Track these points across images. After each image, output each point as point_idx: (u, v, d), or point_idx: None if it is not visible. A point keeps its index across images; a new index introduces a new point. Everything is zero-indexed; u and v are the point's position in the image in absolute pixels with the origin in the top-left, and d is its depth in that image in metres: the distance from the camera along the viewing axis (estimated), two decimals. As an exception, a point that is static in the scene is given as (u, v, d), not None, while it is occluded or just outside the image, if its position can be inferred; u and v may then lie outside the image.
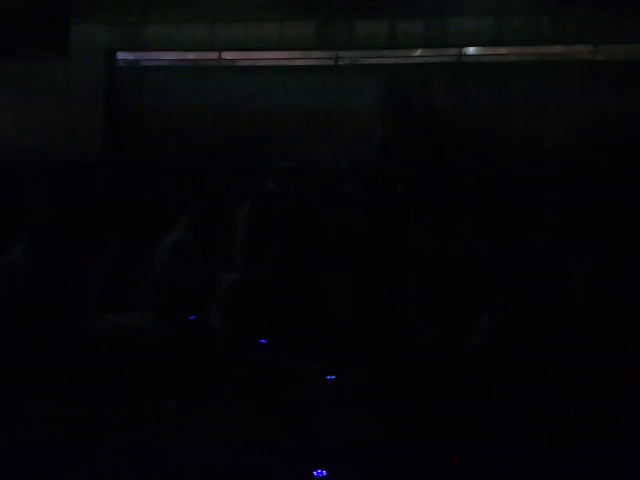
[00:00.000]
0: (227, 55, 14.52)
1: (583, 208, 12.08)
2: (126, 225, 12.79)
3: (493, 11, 13.19)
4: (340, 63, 14.11)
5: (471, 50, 13.57)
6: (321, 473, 4.95)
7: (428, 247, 11.71)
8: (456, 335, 10.30)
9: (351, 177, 12.94)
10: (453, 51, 13.62)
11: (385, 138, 13.90)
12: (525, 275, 11.02)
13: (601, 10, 12.65)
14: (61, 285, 12.20)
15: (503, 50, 13.38)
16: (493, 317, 10.41)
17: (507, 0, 13.17)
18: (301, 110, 13.98)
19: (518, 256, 11.43)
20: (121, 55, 14.91)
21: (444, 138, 13.62)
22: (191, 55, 14.71)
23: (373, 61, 13.97)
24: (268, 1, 13.94)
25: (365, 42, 13.74)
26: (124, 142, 14.80)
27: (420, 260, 11.54)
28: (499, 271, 11.11)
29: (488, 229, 11.88)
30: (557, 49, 13.31)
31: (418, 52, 13.88)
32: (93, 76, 14.62)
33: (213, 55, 14.55)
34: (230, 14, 14.07)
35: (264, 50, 14.17)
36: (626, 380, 8.00)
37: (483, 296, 10.94)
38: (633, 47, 12.83)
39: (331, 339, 10.23)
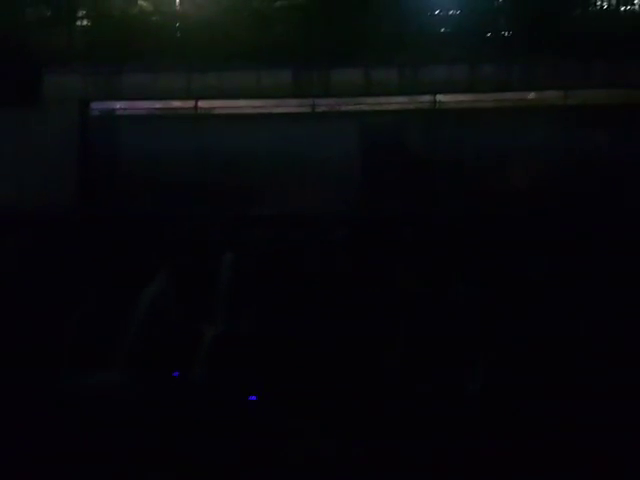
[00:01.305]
0: (203, 104, 14.55)
1: (560, 249, 12.37)
2: (102, 278, 12.65)
3: (466, 59, 13.55)
4: (317, 110, 14.26)
5: (445, 97, 13.84)
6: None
7: (415, 293, 11.84)
8: (450, 384, 10.30)
9: (333, 224, 13.01)
10: (427, 98, 13.89)
11: (363, 184, 14.00)
12: (512, 316, 11.19)
13: (571, 56, 13.10)
14: (29, 342, 11.84)
15: (476, 97, 13.69)
16: (486, 364, 10.49)
17: (479, 48, 13.55)
18: (279, 157, 14.02)
19: (502, 296, 11.59)
20: (95, 104, 14.82)
21: (421, 183, 13.78)
22: (167, 104, 14.70)
23: (350, 108, 14.16)
24: (245, 50, 14.07)
25: (341, 90, 13.91)
26: (98, 192, 14.60)
27: (408, 306, 11.63)
28: (488, 315, 11.27)
29: (473, 272, 12.08)
30: (528, 95, 13.70)
31: (394, 99, 14.13)
32: (66, 125, 14.44)
33: (189, 104, 14.56)
34: (206, 63, 14.16)
35: (241, 98, 14.25)
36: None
37: (474, 341, 11.02)
38: (602, 92, 13.28)
39: (321, 393, 10.11)
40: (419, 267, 12.42)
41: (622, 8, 13.73)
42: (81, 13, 15.68)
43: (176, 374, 10.64)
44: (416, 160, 13.91)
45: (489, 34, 13.80)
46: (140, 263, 12.38)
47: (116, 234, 13.35)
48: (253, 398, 9.69)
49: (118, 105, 14.82)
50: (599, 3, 13.81)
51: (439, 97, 13.77)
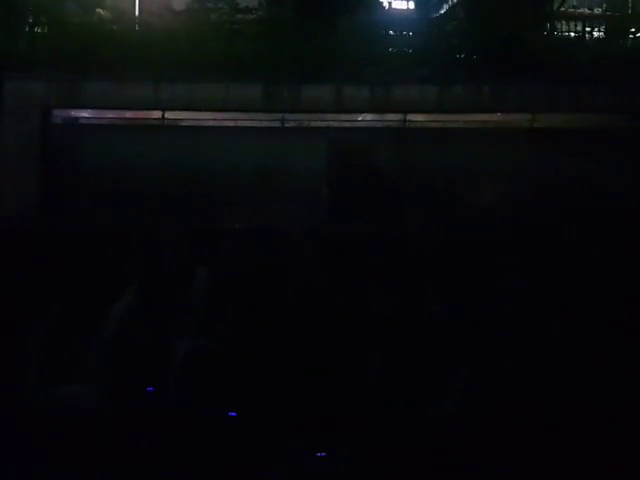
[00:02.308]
0: (171, 115, 14.32)
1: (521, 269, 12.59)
2: (68, 292, 12.28)
3: (436, 80, 13.68)
4: (287, 125, 14.18)
5: (415, 116, 13.94)
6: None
7: (387, 311, 11.87)
8: (424, 402, 10.33)
9: (302, 240, 12.95)
10: (397, 116, 13.97)
11: (330, 200, 13.99)
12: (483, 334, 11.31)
13: (538, 80, 13.37)
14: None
15: (445, 117, 13.83)
16: (462, 381, 10.58)
17: (449, 70, 13.69)
18: (247, 171, 13.88)
19: (475, 316, 11.71)
20: (58, 112, 14.40)
21: (388, 201, 13.84)
22: (133, 114, 14.42)
23: (319, 124, 14.14)
24: (214, 62, 13.91)
25: (311, 105, 13.87)
26: (60, 203, 14.19)
27: (380, 324, 11.65)
28: (460, 333, 11.37)
29: (444, 291, 12.17)
30: (496, 117, 13.91)
31: (363, 117, 14.18)
32: (27, 133, 13.93)
33: (156, 114, 14.31)
34: (175, 74, 13.94)
35: (209, 111, 14.07)
36: None
37: (448, 359, 11.11)
38: (568, 115, 13.58)
39: (298, 408, 10.03)
40: (386, 283, 12.49)
41: (587, 36, 14.10)
42: (42, 19, 15.29)
43: (150, 389, 10.40)
44: (384, 178, 13.99)
45: (459, 56, 13.92)
46: (108, 277, 12.08)
47: (81, 246, 13.00)
48: (232, 414, 9.56)
49: (82, 113, 14.49)
50: (565, 29, 14.13)
51: (409, 116, 13.87)
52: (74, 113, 14.49)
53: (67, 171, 14.31)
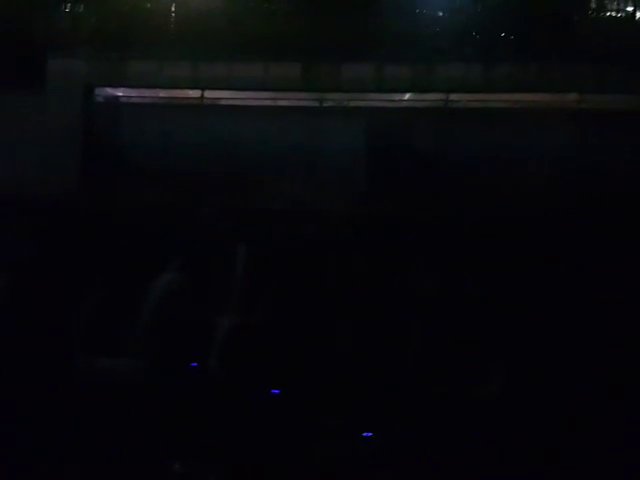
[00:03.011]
0: (210, 94, 14.27)
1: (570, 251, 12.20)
2: (111, 268, 12.46)
3: (480, 58, 13.27)
4: (325, 105, 13.98)
5: (457, 96, 13.56)
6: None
7: (429, 293, 11.69)
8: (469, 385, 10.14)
9: (340, 221, 12.82)
10: (440, 96, 13.61)
11: (369, 181, 13.74)
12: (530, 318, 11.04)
13: (587, 60, 12.83)
14: (43, 329, 11.71)
15: (489, 97, 13.42)
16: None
17: (494, 48, 13.27)
18: (286, 151, 13.76)
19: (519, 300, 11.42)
20: (99, 91, 14.52)
21: (428, 183, 13.54)
22: (173, 93, 14.43)
23: (359, 104, 13.90)
24: (253, 42, 13.79)
25: (351, 85, 13.64)
26: (100, 180, 14.34)
27: (421, 305, 11.48)
28: (505, 317, 11.12)
29: (488, 275, 11.89)
30: (543, 97, 13.42)
31: (404, 97, 13.88)
32: (70, 112, 14.13)
33: (196, 93, 14.28)
34: (214, 53, 13.87)
35: (248, 90, 13.97)
36: None
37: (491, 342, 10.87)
38: (617, 97, 13.01)
39: (337, 386, 10.00)
40: (428, 266, 12.30)
41: (637, 15, 13.46)
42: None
43: (194, 365, 10.56)
44: (425, 159, 13.64)
45: (504, 34, 13.44)
46: (149, 254, 12.20)
47: (123, 223, 13.15)
48: (276, 392, 9.62)
49: (123, 92, 14.58)
50: (615, 9, 13.51)
51: (451, 96, 13.50)
52: (116, 92, 14.62)
53: (108, 149, 14.45)
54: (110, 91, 14.59)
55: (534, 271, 12.13)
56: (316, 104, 13.96)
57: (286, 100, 13.97)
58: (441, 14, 13.82)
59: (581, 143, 13.06)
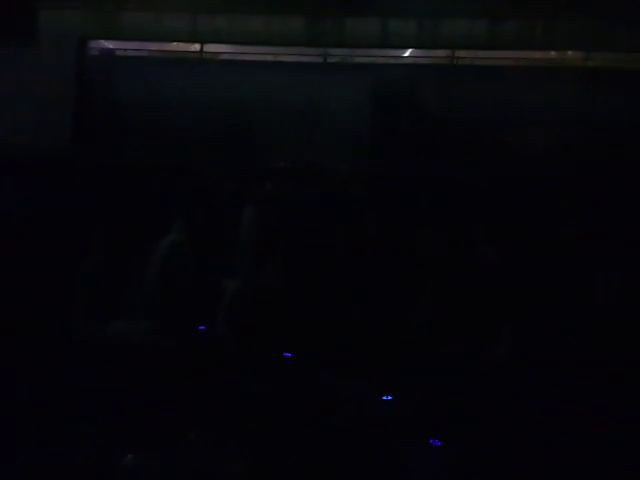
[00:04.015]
0: (209, 48, 13.88)
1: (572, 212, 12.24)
2: (111, 228, 12.12)
3: (486, 14, 13.10)
4: (329, 60, 13.71)
5: (463, 53, 13.39)
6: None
7: (440, 254, 11.61)
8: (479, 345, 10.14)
9: (347, 180, 12.65)
10: (445, 53, 13.45)
11: (375, 138, 13.59)
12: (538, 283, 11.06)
13: (595, 18, 12.74)
14: (44, 292, 11.35)
15: (495, 54, 13.28)
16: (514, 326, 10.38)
17: (501, 4, 13.09)
18: (289, 108, 13.50)
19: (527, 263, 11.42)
20: (94, 43, 14.02)
21: (433, 140, 13.43)
22: (170, 46, 13.99)
23: (364, 60, 13.66)
24: (255, -7, 13.42)
25: (356, 40, 13.37)
26: (95, 136, 13.92)
27: (433, 267, 11.41)
28: (514, 279, 11.12)
29: (496, 235, 11.87)
30: (550, 55, 13.34)
31: (409, 53, 13.67)
32: (63, 65, 13.62)
33: (194, 47, 13.88)
34: (214, 5, 13.46)
35: (250, 44, 13.60)
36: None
37: (501, 304, 10.88)
38: (625, 55, 12.99)
39: (350, 349, 9.92)
40: (437, 226, 12.22)
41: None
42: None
43: (202, 328, 10.30)
44: (431, 117, 13.53)
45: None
46: (151, 214, 11.86)
47: (118, 181, 12.77)
48: (288, 355, 9.45)
49: (118, 45, 14.08)
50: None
51: (457, 52, 13.34)
52: (110, 45, 14.13)
53: (103, 103, 14.02)
54: (105, 44, 14.09)
55: (541, 231, 12.18)
56: (320, 59, 13.68)
57: (289, 55, 13.64)
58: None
59: (587, 101, 13.06)
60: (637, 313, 10.57)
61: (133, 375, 9.24)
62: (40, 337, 10.13)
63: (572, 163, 12.75)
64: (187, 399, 8.63)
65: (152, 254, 11.11)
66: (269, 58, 13.73)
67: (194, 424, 8.25)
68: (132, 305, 10.84)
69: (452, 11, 13.03)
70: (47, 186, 13.02)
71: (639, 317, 10.50)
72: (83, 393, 8.75)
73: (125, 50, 14.04)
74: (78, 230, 12.01)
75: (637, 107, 12.72)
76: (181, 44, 13.95)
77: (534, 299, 10.84)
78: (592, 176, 12.40)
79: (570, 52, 13.31)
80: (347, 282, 10.86)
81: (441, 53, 13.46)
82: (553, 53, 13.37)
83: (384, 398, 8.46)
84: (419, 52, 13.63)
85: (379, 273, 10.99)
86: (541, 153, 13.04)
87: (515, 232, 11.82)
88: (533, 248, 11.66)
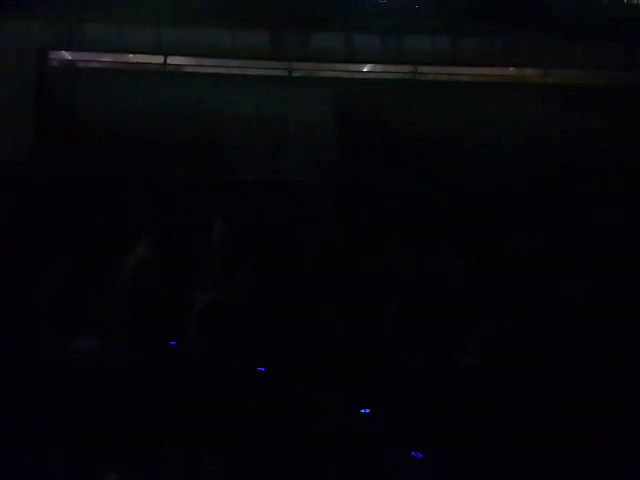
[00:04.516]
0: (173, 60, 13.80)
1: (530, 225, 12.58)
2: (74, 242, 11.91)
3: (449, 31, 13.37)
4: (294, 75, 13.78)
5: (426, 68, 13.63)
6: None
7: (408, 266, 11.76)
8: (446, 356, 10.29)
9: (314, 192, 12.72)
10: (408, 68, 13.66)
11: (339, 151, 13.68)
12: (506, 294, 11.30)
13: (552, 35, 13.15)
14: (5, 308, 11.06)
15: (457, 70, 13.56)
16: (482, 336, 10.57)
17: (463, 21, 13.38)
18: (253, 121, 13.51)
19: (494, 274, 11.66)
20: (55, 54, 13.80)
21: (396, 154, 13.62)
22: (133, 58, 13.86)
23: (328, 74, 13.77)
24: (220, 7, 13.40)
25: (320, 54, 13.48)
26: (55, 149, 13.67)
27: (401, 279, 11.56)
28: (482, 290, 11.34)
29: (464, 247, 12.09)
30: (509, 71, 13.69)
31: (374, 67, 13.84)
32: (22, 76, 13.36)
33: (158, 59, 13.78)
34: (178, 17, 13.41)
35: (214, 57, 13.59)
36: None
37: (470, 314, 11.07)
38: (581, 72, 13.41)
39: (322, 359, 9.95)
40: (399, 236, 12.39)
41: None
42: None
43: (173, 343, 10.19)
44: (394, 131, 13.73)
45: (472, 7, 13.55)
46: (114, 226, 11.72)
47: (80, 195, 12.58)
48: (261, 369, 9.43)
49: (80, 56, 13.88)
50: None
51: (420, 68, 13.58)
52: (72, 56, 13.92)
53: (63, 115, 13.78)
54: (66, 55, 13.89)
55: (503, 243, 12.46)
56: (285, 73, 13.74)
57: (254, 69, 13.66)
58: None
59: (545, 117, 13.44)
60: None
61: (100, 392, 9.10)
62: (3, 354, 9.92)
63: (530, 177, 13.14)
64: (159, 415, 8.55)
65: (119, 268, 10.97)
66: (234, 71, 13.72)
67: (168, 440, 8.18)
68: (99, 321, 10.67)
69: (415, 28, 13.35)
70: (6, 199, 12.78)
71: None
72: (50, 410, 8.59)
73: (87, 62, 13.88)
74: (39, 244, 11.80)
75: (594, 122, 13.16)
76: (144, 56, 13.85)
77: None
78: (547, 190, 12.80)
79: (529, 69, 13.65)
80: (318, 293, 10.92)
81: (404, 68, 13.65)
82: (512, 70, 13.69)
83: (362, 411, 8.52)
84: (382, 67, 13.84)
85: (349, 284, 11.09)
86: (497, 167, 13.30)
87: (477, 245, 12.10)
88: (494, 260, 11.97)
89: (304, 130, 13.54)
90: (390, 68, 13.74)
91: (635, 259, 11.65)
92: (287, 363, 9.60)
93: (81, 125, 13.76)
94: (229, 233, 11.65)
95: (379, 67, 13.85)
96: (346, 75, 13.75)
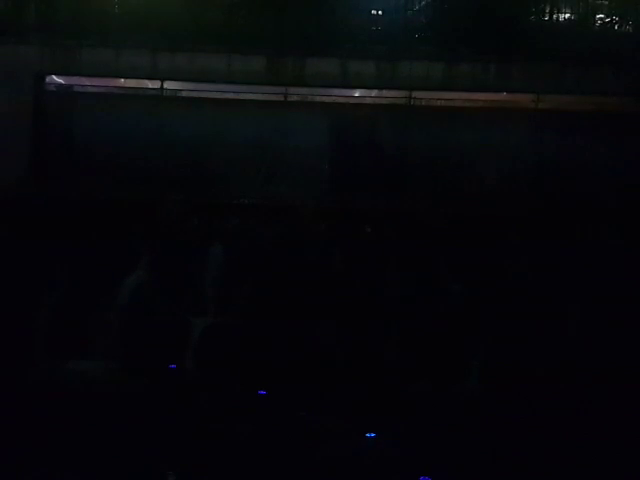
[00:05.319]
0: (169, 85, 13.90)
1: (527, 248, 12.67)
2: (70, 265, 11.91)
3: (442, 57, 13.55)
4: (290, 99, 13.90)
5: (420, 94, 13.78)
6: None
7: (406, 291, 11.83)
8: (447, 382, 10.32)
9: (311, 216, 12.81)
10: (403, 93, 13.80)
11: (334, 176, 13.83)
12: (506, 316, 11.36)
13: (545, 61, 13.34)
14: (3, 331, 11.03)
15: (451, 95, 13.72)
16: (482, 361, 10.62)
17: (456, 47, 13.56)
18: (249, 146, 13.64)
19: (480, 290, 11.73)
20: (51, 79, 13.89)
21: (391, 178, 13.74)
22: (130, 83, 13.96)
23: (323, 99, 13.91)
24: (215, 32, 13.54)
25: (316, 80, 13.60)
26: (52, 174, 13.71)
27: (399, 304, 11.62)
28: (482, 314, 11.40)
29: (462, 272, 12.15)
30: (502, 96, 13.86)
31: (369, 92, 13.99)
32: (19, 100, 13.38)
33: (154, 84, 13.88)
34: (174, 43, 13.53)
35: (210, 82, 13.69)
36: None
37: (468, 339, 11.12)
38: (574, 97, 13.59)
39: (325, 390, 9.95)
40: (395, 259, 12.46)
41: (592, 20, 14.10)
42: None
43: (173, 366, 10.20)
44: (388, 155, 13.88)
45: (465, 34, 13.73)
46: (110, 251, 11.73)
47: (78, 218, 12.61)
48: (262, 393, 9.45)
49: (77, 81, 13.96)
50: (569, 11, 14.09)
51: (414, 93, 13.72)
52: (69, 81, 14.00)
53: (60, 140, 13.88)
54: (63, 80, 13.97)
55: (500, 265, 12.54)
56: (280, 98, 13.86)
57: (250, 94, 13.77)
58: (405, 12, 13.95)
59: (538, 142, 13.61)
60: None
61: (99, 417, 9.07)
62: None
63: (524, 200, 13.29)
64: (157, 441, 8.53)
65: (117, 292, 11.00)
66: (230, 96, 13.83)
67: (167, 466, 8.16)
68: (98, 345, 10.67)
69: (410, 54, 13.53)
70: (3, 222, 12.80)
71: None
72: (45, 436, 8.55)
73: (84, 86, 13.97)
74: (37, 268, 11.80)
75: (587, 147, 13.34)
76: (141, 81, 13.95)
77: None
78: (543, 212, 12.93)
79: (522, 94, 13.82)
80: (316, 316, 10.96)
81: (399, 93, 13.80)
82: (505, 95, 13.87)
83: (367, 435, 8.54)
84: (377, 92, 13.99)
85: (347, 307, 11.15)
86: (492, 191, 13.44)
87: (474, 267, 12.17)
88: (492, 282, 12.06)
89: (300, 154, 13.67)
90: (385, 93, 13.88)
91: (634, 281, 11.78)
92: (288, 386, 9.62)
93: (78, 149, 13.86)
94: (226, 256, 11.70)
95: (374, 92, 14.01)
96: (341, 100, 13.90)
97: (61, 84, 14.01)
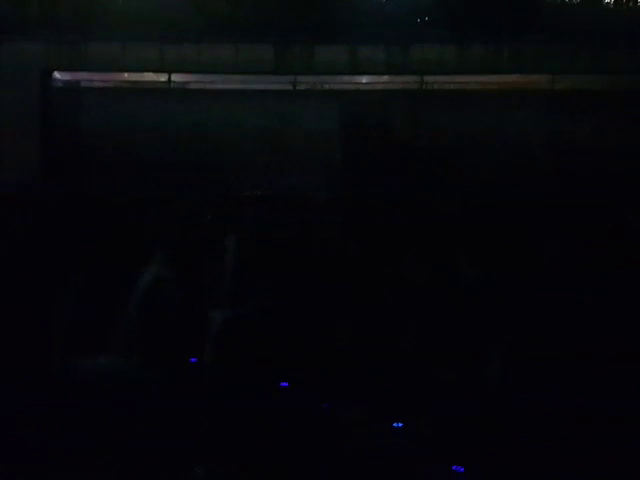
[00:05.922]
0: (177, 77, 13.74)
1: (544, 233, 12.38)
2: (84, 260, 11.77)
3: (454, 40, 13.26)
4: (298, 88, 13.68)
5: (432, 78, 13.51)
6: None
7: (423, 278, 11.58)
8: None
9: (323, 206, 12.59)
10: (414, 78, 13.54)
11: (345, 163, 13.56)
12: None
13: (559, 41, 13.02)
14: (18, 327, 10.92)
15: (463, 78, 13.43)
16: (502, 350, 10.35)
17: (468, 29, 13.27)
18: (258, 136, 13.43)
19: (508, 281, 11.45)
20: (58, 74, 13.75)
21: (403, 165, 13.47)
22: (138, 77, 13.80)
23: (333, 86, 13.67)
24: (222, 23, 13.36)
25: (325, 67, 13.39)
26: (61, 168, 13.59)
27: (416, 292, 11.36)
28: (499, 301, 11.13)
29: (479, 258, 11.88)
30: (515, 78, 13.55)
31: (379, 78, 13.73)
32: (26, 97, 13.32)
33: (162, 77, 13.72)
34: (181, 35, 13.35)
35: (218, 73, 13.51)
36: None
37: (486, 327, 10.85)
38: (589, 77, 13.26)
39: (346, 380, 9.72)
40: (410, 246, 12.22)
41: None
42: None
43: (193, 360, 10.04)
44: (400, 141, 13.60)
45: (477, 16, 13.44)
46: (124, 245, 11.58)
47: (88, 212, 12.47)
48: (284, 384, 9.27)
49: (83, 76, 13.83)
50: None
51: (426, 78, 13.46)
52: (76, 76, 13.87)
53: (68, 135, 13.71)
54: (70, 75, 13.84)
55: (516, 252, 12.26)
56: (289, 87, 13.64)
57: (258, 83, 13.57)
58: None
59: (554, 123, 13.29)
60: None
61: (120, 411, 8.93)
62: (20, 372, 9.79)
63: (540, 183, 12.97)
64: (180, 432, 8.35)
65: (134, 287, 10.86)
66: (238, 86, 13.63)
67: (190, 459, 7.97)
68: (116, 340, 10.54)
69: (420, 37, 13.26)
70: (14, 217, 12.71)
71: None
72: (66, 430, 8.42)
73: (91, 81, 13.83)
74: (51, 262, 11.69)
75: (602, 127, 13.02)
76: (148, 74, 13.80)
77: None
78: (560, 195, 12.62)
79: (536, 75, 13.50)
80: (333, 307, 10.76)
81: (410, 79, 13.53)
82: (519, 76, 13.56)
83: (394, 425, 8.33)
84: (388, 78, 13.73)
85: (364, 297, 10.93)
86: (506, 175, 13.13)
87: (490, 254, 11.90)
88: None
89: (311, 143, 13.44)
90: (396, 79, 13.62)
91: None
92: (309, 378, 9.43)
93: (87, 144, 13.70)
94: (241, 249, 11.50)
95: (385, 78, 13.74)
96: (351, 87, 13.67)
97: (68, 80, 13.88)
